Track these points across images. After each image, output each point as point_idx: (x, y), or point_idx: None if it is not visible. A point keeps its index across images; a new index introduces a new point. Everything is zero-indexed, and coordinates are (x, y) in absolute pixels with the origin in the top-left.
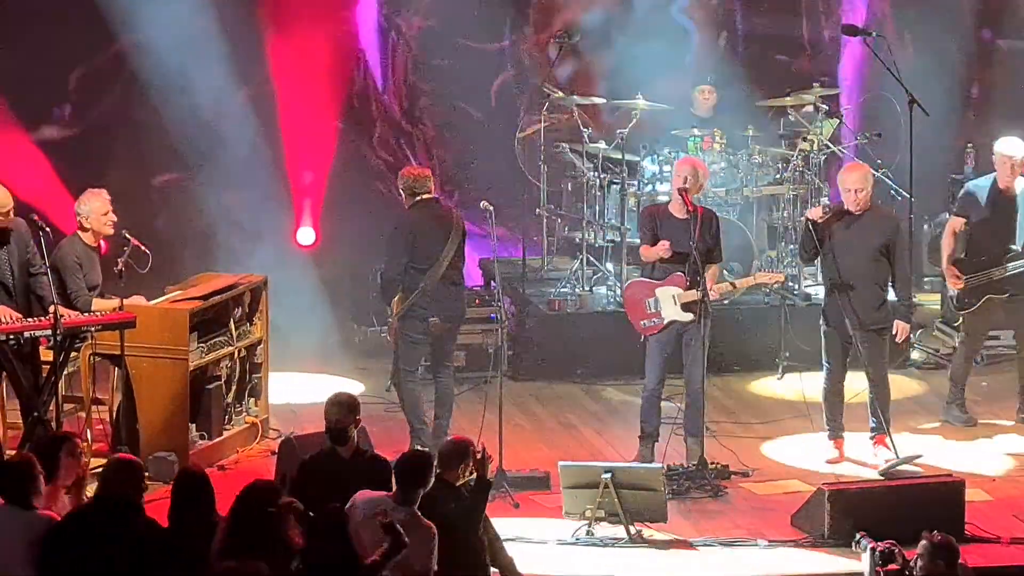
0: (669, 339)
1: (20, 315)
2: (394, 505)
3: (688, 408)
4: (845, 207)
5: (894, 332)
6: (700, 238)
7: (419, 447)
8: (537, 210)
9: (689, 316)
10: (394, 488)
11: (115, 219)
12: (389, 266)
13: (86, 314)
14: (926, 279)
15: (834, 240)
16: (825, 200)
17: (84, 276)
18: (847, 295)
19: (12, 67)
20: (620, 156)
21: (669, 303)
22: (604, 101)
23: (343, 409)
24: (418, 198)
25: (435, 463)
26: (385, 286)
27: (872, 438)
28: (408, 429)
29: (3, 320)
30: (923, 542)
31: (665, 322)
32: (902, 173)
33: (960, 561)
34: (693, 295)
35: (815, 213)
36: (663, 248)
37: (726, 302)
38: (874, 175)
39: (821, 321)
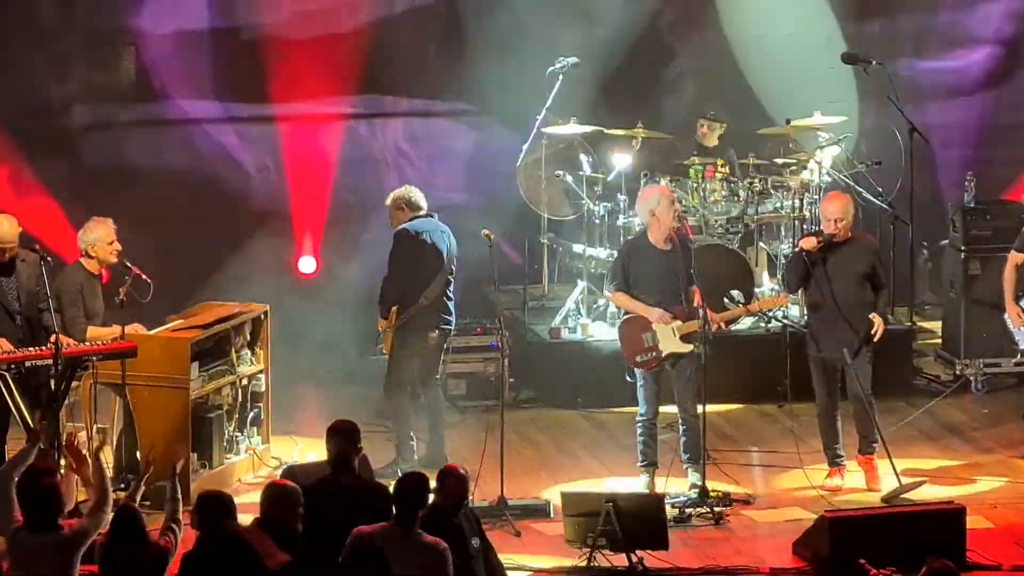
0: (661, 369)
1: (13, 345)
2: (396, 532)
3: (685, 436)
4: (830, 236)
5: (874, 330)
6: (685, 264)
7: (406, 466)
8: (538, 238)
9: (689, 347)
10: (394, 512)
11: (120, 248)
12: (394, 276)
13: (85, 343)
14: (927, 307)
15: (824, 268)
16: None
17: (85, 305)
18: (839, 322)
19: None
20: (620, 184)
21: (668, 336)
22: (604, 129)
23: (345, 438)
24: (418, 212)
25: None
26: (387, 296)
27: (860, 452)
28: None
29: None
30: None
31: (663, 355)
32: (902, 201)
33: None
34: (694, 325)
35: (810, 243)
36: (663, 319)
37: (729, 328)
38: (861, 203)
39: (809, 350)
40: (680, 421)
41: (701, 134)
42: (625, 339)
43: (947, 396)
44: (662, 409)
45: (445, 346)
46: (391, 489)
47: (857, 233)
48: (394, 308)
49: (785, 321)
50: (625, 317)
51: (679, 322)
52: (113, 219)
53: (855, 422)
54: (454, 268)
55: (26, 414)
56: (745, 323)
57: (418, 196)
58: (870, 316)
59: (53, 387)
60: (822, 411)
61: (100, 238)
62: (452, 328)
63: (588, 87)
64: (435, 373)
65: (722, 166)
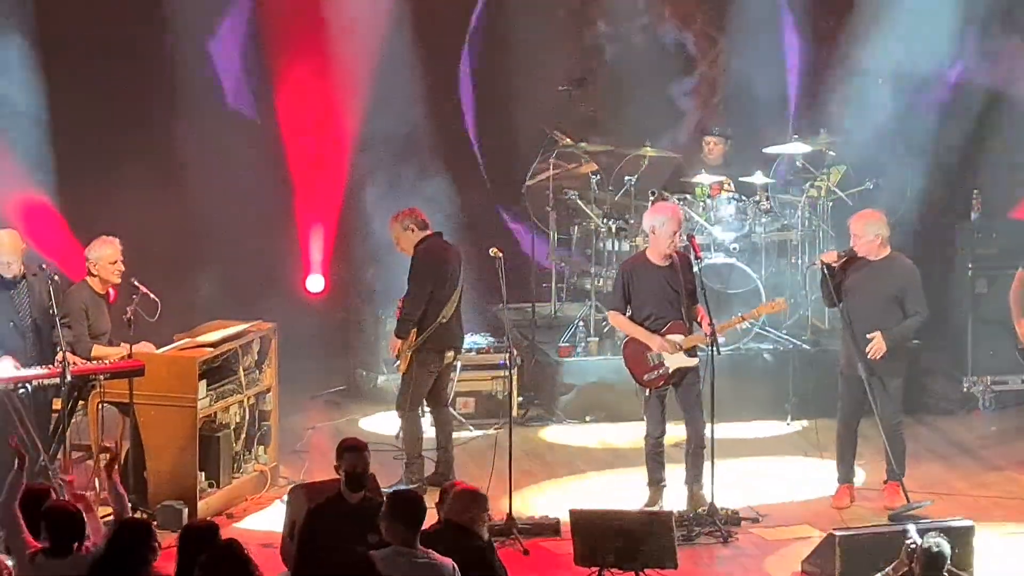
0: (668, 388)
1: (22, 363)
2: (409, 552)
3: (693, 454)
4: (852, 252)
5: (868, 347)
6: (686, 280)
7: (410, 482)
8: (546, 257)
9: (694, 360)
10: (395, 532)
11: (123, 268)
12: (416, 296)
13: (92, 362)
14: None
15: (846, 284)
16: (832, 246)
17: (91, 323)
18: (858, 339)
19: None
20: (628, 203)
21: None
22: (612, 149)
23: (356, 455)
24: (427, 231)
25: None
26: (408, 316)
27: (885, 483)
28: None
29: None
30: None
31: (670, 371)
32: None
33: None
34: (697, 338)
35: (829, 257)
36: (664, 347)
37: (731, 348)
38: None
39: (840, 362)
40: (688, 438)
41: (707, 151)
42: (630, 360)
43: (954, 414)
44: (670, 428)
45: (455, 364)
46: (387, 509)
47: (895, 255)
48: (413, 329)
49: (791, 338)
50: (628, 337)
51: (681, 336)
52: (119, 237)
53: (884, 448)
54: (463, 286)
55: (34, 435)
56: (753, 340)
57: (424, 216)
58: (868, 336)
59: (60, 406)
60: (841, 425)
61: (103, 257)
62: (462, 346)
63: (597, 106)
64: (444, 393)
65: (728, 184)
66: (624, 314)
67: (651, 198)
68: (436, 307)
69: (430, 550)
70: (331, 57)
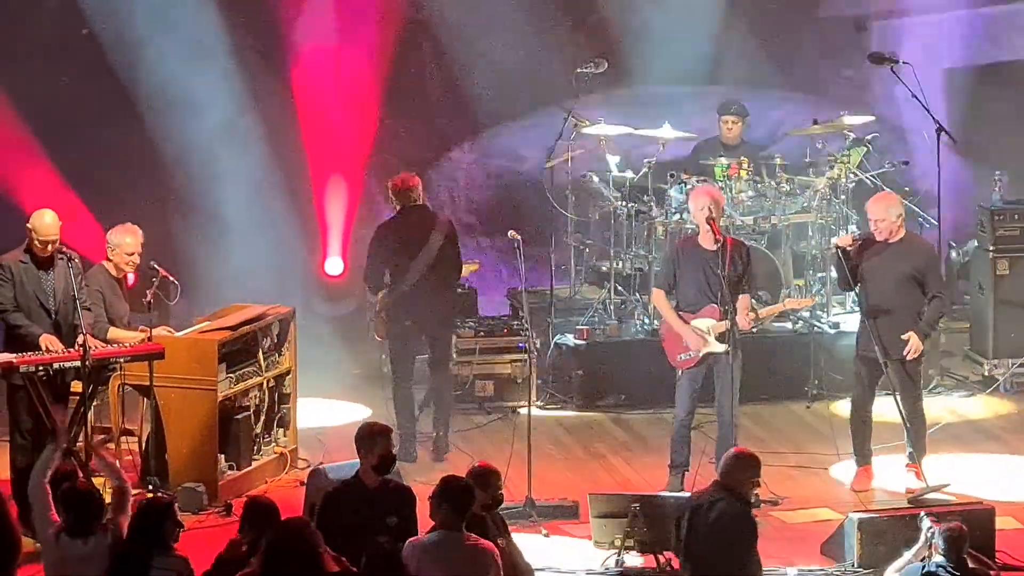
0: (700, 371)
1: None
2: (455, 535)
3: (719, 438)
4: (868, 234)
5: (905, 350)
6: (730, 268)
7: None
8: (565, 239)
9: (724, 346)
10: (442, 515)
11: (138, 262)
12: (368, 269)
13: (113, 346)
14: (955, 307)
15: (863, 267)
16: (853, 228)
17: (107, 307)
18: (875, 323)
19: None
20: (647, 185)
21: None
22: (631, 130)
23: (390, 439)
24: (401, 206)
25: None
26: (366, 281)
27: (907, 465)
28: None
29: (51, 350)
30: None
31: (701, 354)
32: (930, 201)
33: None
34: (724, 325)
35: (844, 241)
36: (698, 344)
37: (755, 331)
38: (903, 204)
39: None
40: (719, 423)
41: (725, 131)
42: (667, 338)
43: (975, 396)
44: (699, 410)
45: (454, 341)
46: (439, 491)
47: (911, 235)
48: (380, 294)
49: (813, 321)
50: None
51: (712, 321)
52: (138, 218)
53: (904, 430)
54: (443, 258)
55: (54, 417)
56: (773, 322)
57: (406, 190)
58: (903, 336)
59: (81, 389)
60: (855, 407)
61: (121, 245)
62: (440, 319)
63: (617, 86)
64: (441, 365)
65: (747, 165)
66: (669, 293)
67: (669, 180)
68: (399, 274)
69: (472, 534)
70: (351, 29)
